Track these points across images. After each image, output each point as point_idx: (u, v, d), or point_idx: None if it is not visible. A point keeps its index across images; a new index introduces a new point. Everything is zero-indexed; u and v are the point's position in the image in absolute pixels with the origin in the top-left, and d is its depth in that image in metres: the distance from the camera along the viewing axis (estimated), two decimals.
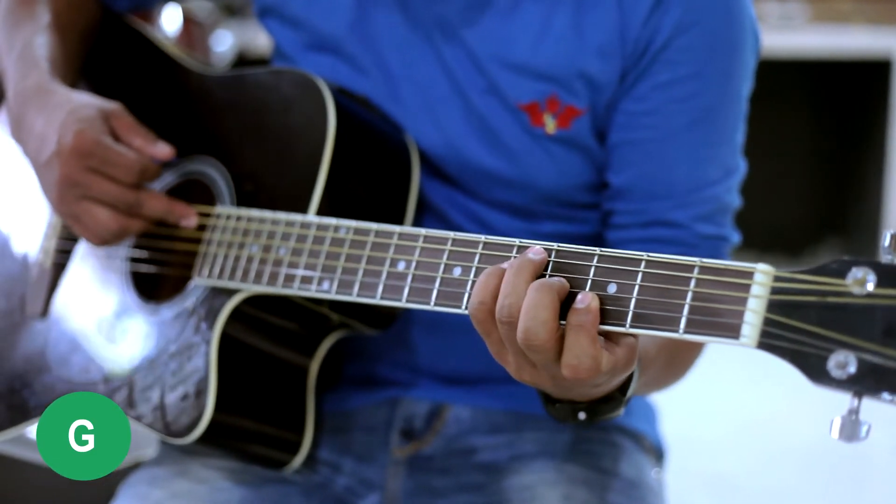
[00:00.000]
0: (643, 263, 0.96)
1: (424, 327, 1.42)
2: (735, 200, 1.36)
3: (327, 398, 1.45)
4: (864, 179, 4.50)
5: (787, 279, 0.88)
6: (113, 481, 1.41)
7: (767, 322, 0.88)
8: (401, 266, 1.10)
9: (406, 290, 1.09)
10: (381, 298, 1.11)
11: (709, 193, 1.33)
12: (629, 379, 1.05)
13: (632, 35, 1.29)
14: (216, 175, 1.35)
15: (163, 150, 1.32)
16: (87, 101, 1.31)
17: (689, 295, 0.93)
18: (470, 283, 1.05)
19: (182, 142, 1.39)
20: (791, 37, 4.22)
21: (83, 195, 1.28)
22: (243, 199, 1.31)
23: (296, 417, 1.34)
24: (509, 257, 1.02)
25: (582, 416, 1.06)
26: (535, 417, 1.43)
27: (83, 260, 1.43)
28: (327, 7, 1.40)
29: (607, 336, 0.98)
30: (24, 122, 1.34)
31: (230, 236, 1.28)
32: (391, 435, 1.45)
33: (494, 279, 0.99)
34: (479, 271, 1.04)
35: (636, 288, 0.95)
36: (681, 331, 0.93)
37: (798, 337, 0.86)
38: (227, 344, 1.27)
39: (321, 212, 1.25)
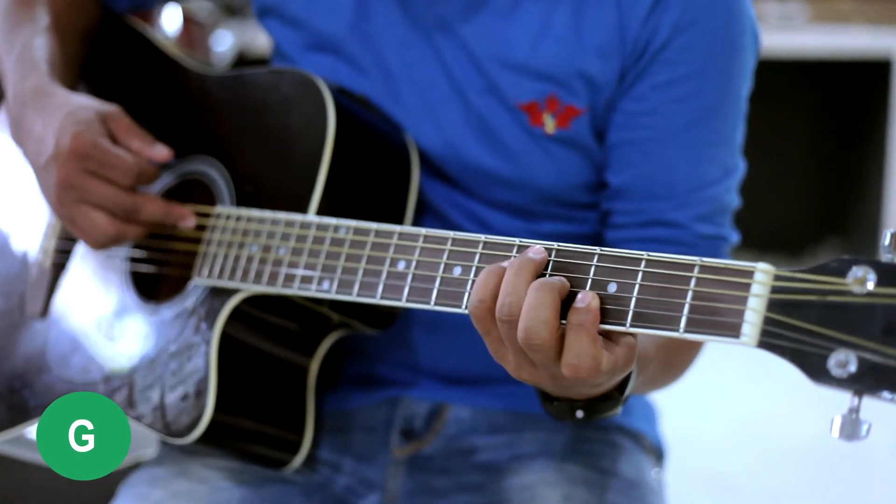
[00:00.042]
0: (643, 263, 0.96)
1: (424, 327, 1.42)
2: (734, 200, 1.36)
3: (327, 398, 1.45)
4: (864, 179, 4.50)
5: (787, 278, 0.88)
6: (113, 481, 1.41)
7: (768, 321, 0.88)
8: (401, 266, 1.10)
9: (406, 290, 1.09)
10: (381, 298, 1.11)
11: (708, 193, 1.33)
12: (627, 378, 1.05)
13: (631, 35, 1.29)
14: (216, 175, 1.35)
15: (161, 152, 1.32)
16: (85, 104, 1.31)
17: (690, 294, 0.93)
18: (470, 282, 1.05)
19: (182, 142, 1.39)
20: (791, 37, 4.22)
21: (80, 198, 1.28)
22: (243, 199, 1.31)
23: (296, 417, 1.34)
24: (509, 257, 1.02)
25: (580, 414, 1.06)
26: (535, 417, 1.43)
27: (83, 260, 1.43)
28: (327, 7, 1.40)
29: (607, 335, 0.98)
30: (23, 124, 1.34)
31: (230, 236, 1.28)
32: (391, 435, 1.45)
33: (494, 278, 0.99)
34: (479, 271, 1.04)
35: (636, 287, 0.95)
36: (681, 330, 0.93)
37: (798, 336, 0.86)
38: (227, 344, 1.27)
39: (321, 211, 1.25)
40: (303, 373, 1.34)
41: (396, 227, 1.12)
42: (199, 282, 1.30)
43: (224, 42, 3.49)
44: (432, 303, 1.07)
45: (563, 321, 0.96)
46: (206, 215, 1.32)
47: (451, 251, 1.07)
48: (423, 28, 1.35)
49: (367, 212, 1.27)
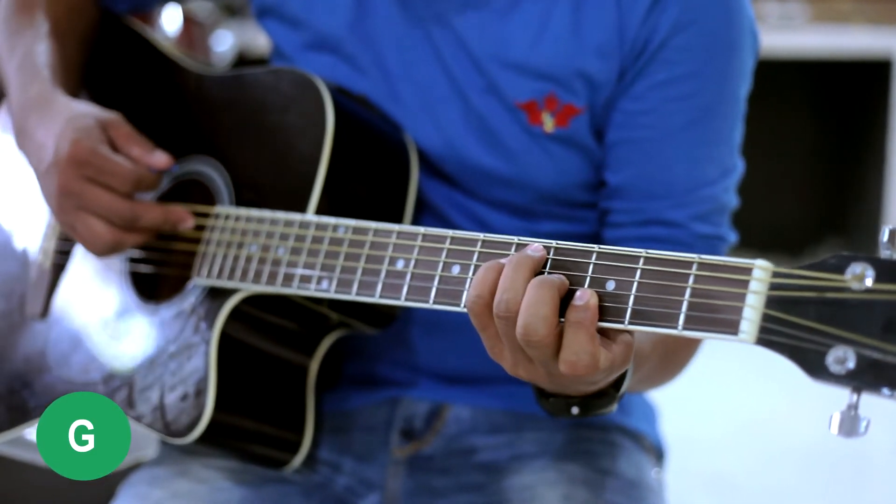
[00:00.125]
0: (642, 260, 0.96)
1: (424, 327, 1.42)
2: (732, 200, 1.36)
3: (327, 398, 1.45)
4: (864, 179, 4.50)
5: (785, 275, 0.88)
6: (113, 481, 1.41)
7: (766, 318, 0.88)
8: (400, 265, 1.10)
9: (405, 289, 1.09)
10: (380, 297, 1.11)
11: (706, 193, 1.33)
12: (623, 375, 1.06)
13: (630, 34, 1.29)
14: (215, 175, 1.35)
15: (160, 159, 1.32)
16: (85, 111, 1.31)
17: (688, 291, 0.93)
18: (469, 281, 1.05)
19: (181, 142, 1.39)
20: (791, 37, 4.22)
21: (79, 205, 1.28)
22: (242, 199, 1.31)
23: (296, 417, 1.34)
24: (508, 255, 1.02)
25: (575, 410, 1.06)
26: (535, 417, 1.43)
27: (82, 260, 1.43)
28: (326, 7, 1.40)
29: (604, 333, 0.98)
30: (26, 131, 1.35)
31: (229, 236, 1.28)
32: (391, 435, 1.45)
33: (493, 274, 0.99)
34: (477, 269, 1.04)
35: (635, 285, 0.95)
36: (679, 327, 0.93)
37: (797, 333, 0.86)
38: (227, 343, 1.27)
39: (320, 211, 1.25)
40: (302, 372, 1.34)
41: (395, 227, 1.12)
42: (199, 282, 1.30)
43: (224, 42, 3.50)
44: (431, 301, 1.07)
45: (562, 319, 0.96)
46: (206, 215, 1.32)
47: (449, 250, 1.07)
48: (423, 27, 1.35)
49: (367, 211, 1.27)
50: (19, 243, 1.50)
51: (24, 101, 1.36)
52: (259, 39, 3.58)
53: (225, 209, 1.31)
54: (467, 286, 1.05)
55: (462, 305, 1.05)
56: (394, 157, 1.35)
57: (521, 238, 1.03)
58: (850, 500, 3.00)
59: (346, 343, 1.41)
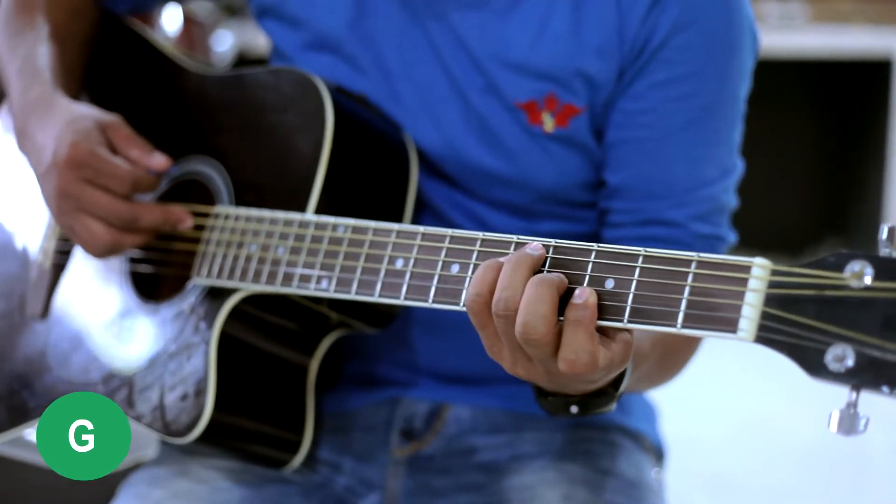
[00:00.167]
0: (641, 259, 0.96)
1: (424, 327, 1.42)
2: (732, 200, 1.36)
3: (327, 398, 1.45)
4: (864, 179, 4.50)
5: (784, 273, 0.88)
6: (113, 481, 1.41)
7: (765, 316, 0.88)
8: (399, 264, 1.10)
9: (404, 288, 1.09)
10: (380, 296, 1.11)
11: (706, 193, 1.33)
12: (623, 374, 1.06)
13: (630, 34, 1.29)
14: (214, 175, 1.35)
15: (159, 161, 1.32)
16: (85, 113, 1.32)
17: (687, 290, 0.93)
18: (468, 280, 1.05)
19: (180, 141, 1.39)
20: (791, 37, 4.22)
21: (78, 207, 1.28)
22: (242, 199, 1.32)
23: (295, 417, 1.34)
24: (507, 254, 1.03)
25: (574, 409, 1.06)
26: (535, 417, 1.43)
27: (82, 260, 1.43)
28: (326, 6, 1.40)
29: (603, 332, 0.98)
30: (27, 133, 1.35)
31: (229, 236, 1.28)
32: (391, 435, 1.45)
33: (492, 272, 0.99)
34: (476, 268, 1.04)
35: (634, 283, 0.95)
36: (678, 325, 0.93)
37: (796, 331, 0.86)
38: (227, 343, 1.27)
39: (319, 211, 1.26)
40: (302, 372, 1.34)
41: (395, 226, 1.12)
42: (199, 281, 1.30)
43: (224, 42, 3.50)
44: (430, 300, 1.07)
45: (561, 318, 0.96)
46: (205, 215, 1.32)
47: (448, 249, 1.07)
48: (423, 27, 1.36)
49: (366, 211, 1.27)
50: (19, 243, 1.50)
51: (25, 104, 1.37)
52: (259, 39, 3.58)
53: (224, 209, 1.31)
54: (466, 285, 1.05)
55: (461, 304, 1.05)
56: (393, 156, 1.35)
57: (521, 237, 1.03)
58: (850, 500, 3.00)
59: (346, 343, 1.41)
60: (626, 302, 0.95)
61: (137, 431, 1.29)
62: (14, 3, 1.49)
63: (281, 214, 1.24)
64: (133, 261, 1.40)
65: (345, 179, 1.29)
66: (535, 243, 1.00)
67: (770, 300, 0.88)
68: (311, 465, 1.42)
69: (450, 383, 1.45)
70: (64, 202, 1.29)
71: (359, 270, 1.14)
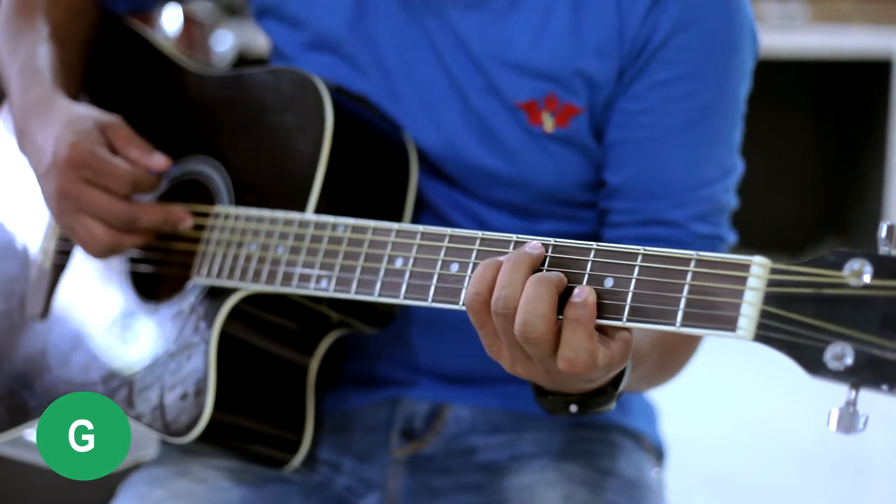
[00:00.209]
0: (640, 257, 0.96)
1: (424, 326, 1.42)
2: (732, 200, 1.36)
3: (327, 398, 1.45)
4: (864, 179, 4.50)
5: (783, 271, 0.88)
6: (113, 481, 1.41)
7: (764, 314, 0.88)
8: (398, 263, 1.10)
9: (404, 287, 1.09)
10: (379, 295, 1.11)
11: (706, 193, 1.33)
12: (622, 373, 1.06)
13: (630, 34, 1.29)
14: (214, 174, 1.35)
15: (159, 161, 1.32)
16: (84, 114, 1.32)
17: (686, 288, 0.93)
18: (467, 278, 1.05)
19: (180, 141, 1.39)
20: (791, 37, 4.22)
21: (77, 207, 1.28)
22: (241, 199, 1.32)
23: (295, 416, 1.34)
24: (506, 253, 1.03)
25: (573, 408, 1.06)
26: (535, 417, 1.43)
27: (82, 261, 1.43)
28: (326, 6, 1.40)
29: (602, 331, 0.98)
30: (27, 134, 1.35)
31: (229, 235, 1.28)
32: (391, 435, 1.45)
33: (491, 271, 0.99)
34: (476, 267, 1.04)
35: (633, 282, 0.95)
36: (677, 324, 0.93)
37: (795, 329, 0.86)
38: (226, 343, 1.27)
39: (319, 210, 1.26)
40: (302, 372, 1.34)
41: (394, 225, 1.12)
42: (199, 281, 1.30)
43: (224, 42, 3.50)
44: (430, 299, 1.07)
45: (560, 316, 0.96)
46: (205, 215, 1.32)
47: (448, 248, 1.07)
48: (423, 27, 1.36)
49: (366, 211, 1.27)
50: (20, 244, 1.50)
51: (25, 104, 1.37)
52: (259, 39, 3.58)
53: (224, 209, 1.31)
54: (466, 284, 1.05)
55: (461, 303, 1.05)
56: (393, 156, 1.35)
57: (520, 236, 1.03)
58: (850, 500, 3.00)
59: (346, 343, 1.41)
60: (626, 301, 0.95)
61: (137, 431, 1.29)
62: (14, 4, 1.49)
63: (281, 214, 1.24)
64: (133, 261, 1.40)
65: (344, 179, 1.29)
66: (535, 242, 1.00)
67: (769, 299, 0.88)
68: (311, 464, 1.42)
69: (450, 383, 1.45)
70: (64, 202, 1.29)
71: (358, 270, 1.14)
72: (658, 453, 1.52)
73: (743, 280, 0.90)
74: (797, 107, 4.70)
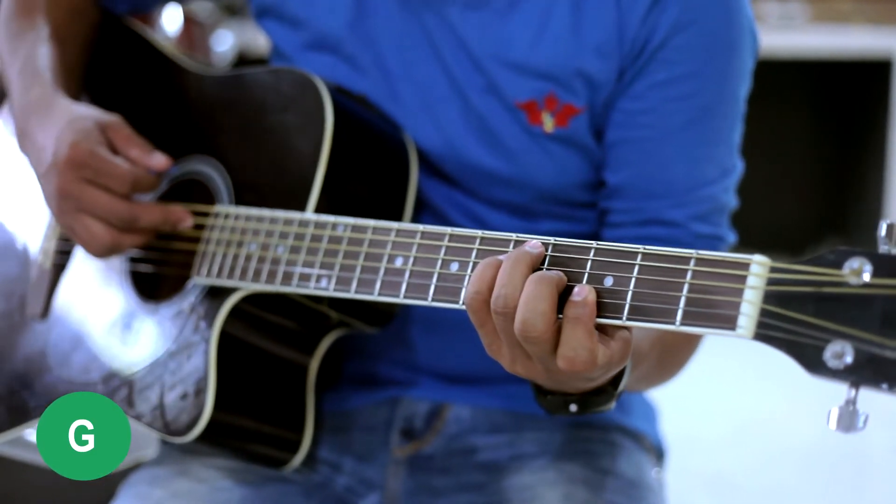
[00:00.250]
0: (639, 256, 0.96)
1: (424, 326, 1.42)
2: (732, 200, 1.36)
3: (327, 397, 1.45)
4: (864, 179, 4.50)
5: (783, 270, 0.88)
6: (113, 481, 1.41)
7: (764, 313, 0.88)
8: (398, 262, 1.10)
9: (404, 286, 1.09)
10: (379, 294, 1.11)
11: (705, 193, 1.33)
12: (622, 372, 1.06)
13: (629, 34, 1.29)
14: (215, 174, 1.35)
15: (159, 161, 1.32)
16: (85, 113, 1.32)
17: (686, 287, 0.93)
18: (467, 277, 1.05)
19: (181, 141, 1.39)
20: (791, 37, 4.22)
21: (78, 207, 1.28)
22: (241, 198, 1.32)
23: (295, 416, 1.34)
24: (506, 252, 1.03)
25: (573, 408, 1.06)
26: (535, 417, 1.43)
27: (83, 260, 1.43)
28: (326, 6, 1.40)
29: (602, 330, 0.98)
30: (27, 134, 1.35)
31: (229, 235, 1.28)
32: (391, 434, 1.45)
33: (491, 270, 0.99)
34: (476, 266, 1.04)
35: (633, 281, 0.95)
36: (677, 323, 0.93)
37: (794, 328, 0.86)
38: (227, 342, 1.27)
39: (319, 210, 1.26)
40: (302, 371, 1.34)
41: (394, 224, 1.12)
42: (199, 281, 1.30)
43: (224, 42, 3.50)
44: (430, 298, 1.07)
45: (560, 315, 0.96)
46: (205, 214, 1.32)
47: (448, 247, 1.07)
48: (423, 27, 1.36)
49: (366, 211, 1.27)
50: (20, 244, 1.50)
51: (26, 104, 1.37)
52: (259, 39, 3.58)
53: (224, 208, 1.31)
54: (466, 283, 1.05)
55: (461, 302, 1.05)
56: (393, 156, 1.35)
57: (520, 235, 1.03)
58: (850, 500, 3.00)
59: (346, 342, 1.41)
60: (625, 299, 0.95)
61: (137, 431, 1.30)
62: (15, 4, 1.49)
63: (281, 213, 1.24)
64: (133, 260, 1.40)
65: (344, 179, 1.29)
66: (535, 241, 1.01)
67: (769, 297, 0.88)
68: (312, 464, 1.42)
69: (450, 383, 1.45)
70: (64, 202, 1.29)
71: (358, 269, 1.14)
72: (658, 453, 1.52)
73: (743, 279, 0.90)
74: (797, 107, 4.71)
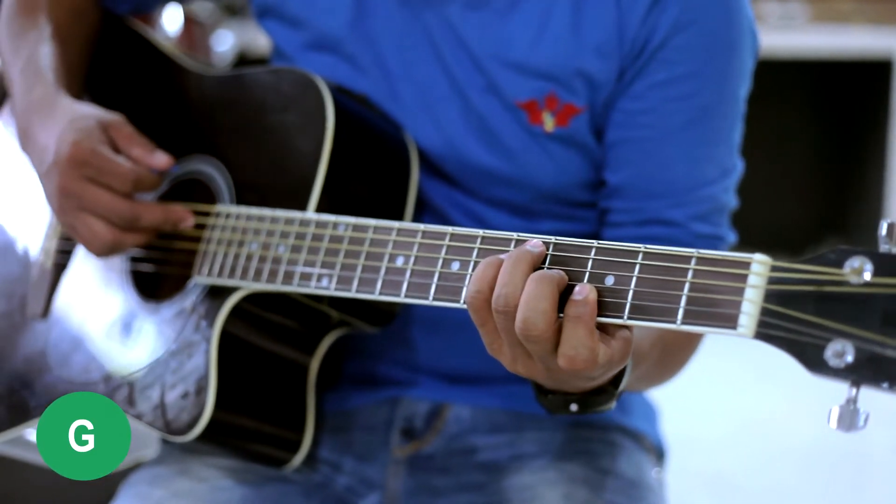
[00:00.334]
0: (641, 255, 0.96)
1: (425, 326, 1.42)
2: (732, 200, 1.36)
3: (328, 397, 1.45)
4: (864, 179, 4.50)
5: (784, 269, 0.88)
6: (113, 481, 1.41)
7: (765, 312, 0.88)
8: (399, 261, 1.11)
9: (405, 285, 1.09)
10: (380, 294, 1.11)
11: (705, 193, 1.33)
12: (622, 372, 1.06)
13: (630, 34, 1.29)
14: (216, 174, 1.36)
15: (161, 159, 1.33)
16: (86, 112, 1.32)
17: (687, 286, 0.93)
18: (468, 277, 1.05)
19: (182, 141, 1.39)
20: (791, 37, 4.22)
21: (79, 206, 1.28)
22: (243, 198, 1.32)
23: (296, 416, 1.34)
24: (507, 251, 1.03)
25: (574, 407, 1.06)
26: (535, 417, 1.43)
27: (84, 260, 1.43)
28: (327, 6, 1.40)
29: (603, 329, 0.98)
30: (29, 133, 1.35)
31: (230, 234, 1.28)
32: (391, 434, 1.45)
33: (492, 269, 0.99)
34: (477, 266, 1.04)
35: (634, 280, 0.95)
36: (678, 322, 0.93)
37: (795, 327, 0.86)
38: (227, 342, 1.27)
39: (320, 209, 1.26)
40: (303, 371, 1.34)
41: (395, 224, 1.12)
42: (200, 280, 1.30)
43: (225, 42, 3.50)
44: (431, 298, 1.07)
45: (561, 314, 0.96)
46: (206, 214, 1.32)
47: (449, 246, 1.07)
48: (423, 27, 1.36)
49: (367, 210, 1.27)
50: (21, 243, 1.50)
51: (28, 104, 1.37)
52: (259, 39, 3.58)
53: (225, 208, 1.31)
54: (467, 282, 1.05)
55: (462, 301, 1.05)
56: (394, 156, 1.35)
57: (521, 234, 1.03)
58: (850, 499, 3.00)
59: (347, 342, 1.41)
60: (626, 298, 0.95)
61: (138, 431, 1.30)
62: (16, 4, 1.49)
63: (282, 213, 1.24)
64: (134, 260, 1.40)
65: (345, 178, 1.29)
66: (536, 240, 1.01)
67: (770, 296, 0.89)
68: (312, 464, 1.42)
69: (450, 383, 1.45)
70: (66, 201, 1.29)
71: (359, 268, 1.14)
72: (658, 453, 1.52)
73: (744, 278, 0.90)
74: (797, 107, 4.71)
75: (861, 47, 4.27)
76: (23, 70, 1.41)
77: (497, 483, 1.40)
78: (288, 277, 1.21)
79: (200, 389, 1.25)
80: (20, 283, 1.48)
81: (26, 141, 1.36)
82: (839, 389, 0.86)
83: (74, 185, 1.27)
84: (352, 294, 1.14)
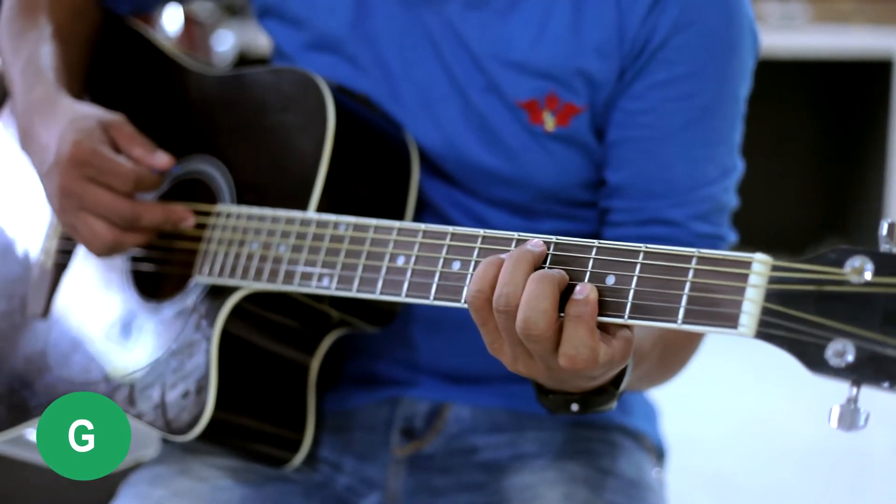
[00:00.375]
0: (641, 255, 0.96)
1: (425, 326, 1.42)
2: (732, 200, 1.36)
3: (328, 397, 1.46)
4: (864, 179, 4.50)
5: (784, 269, 0.88)
6: (113, 481, 1.41)
7: (765, 311, 0.89)
8: (400, 261, 1.11)
9: (405, 285, 1.09)
10: (381, 293, 1.11)
11: (706, 192, 1.33)
12: (623, 372, 1.06)
13: (630, 33, 1.29)
14: (216, 174, 1.36)
15: (162, 159, 1.33)
16: (87, 112, 1.32)
17: (688, 285, 0.93)
18: (469, 276, 1.05)
19: (182, 141, 1.39)
20: (792, 37, 4.23)
21: (80, 206, 1.28)
22: (243, 197, 1.32)
23: (296, 415, 1.34)
24: (508, 251, 1.03)
25: (575, 407, 1.06)
26: (536, 417, 1.43)
27: (84, 260, 1.43)
28: (327, 6, 1.40)
29: (604, 328, 0.98)
30: (29, 133, 1.35)
31: (230, 234, 1.28)
32: (392, 434, 1.45)
33: (493, 269, 0.99)
34: (477, 265, 1.04)
35: (634, 279, 0.96)
36: (679, 321, 0.93)
37: (796, 326, 0.86)
38: (228, 341, 1.27)
39: (321, 209, 1.26)
40: (303, 371, 1.34)
41: (396, 223, 1.12)
42: (200, 280, 1.30)
43: (225, 42, 3.50)
44: (432, 297, 1.07)
45: (561, 314, 0.96)
46: (207, 214, 1.32)
47: (450, 246, 1.07)
48: (423, 27, 1.36)
49: (367, 210, 1.27)
50: (21, 243, 1.50)
51: (28, 104, 1.37)
52: (260, 39, 3.59)
53: (226, 207, 1.31)
54: (468, 282, 1.05)
55: (462, 301, 1.05)
56: (395, 156, 1.35)
57: (522, 234, 1.04)
58: (850, 499, 3.00)
59: (347, 342, 1.41)
60: (627, 298, 0.96)
61: (138, 431, 1.30)
62: (17, 4, 1.49)
63: (282, 213, 1.24)
64: (135, 259, 1.40)
65: (346, 178, 1.29)
66: (536, 240, 1.01)
67: (770, 296, 0.89)
68: (312, 464, 1.42)
69: (451, 382, 1.46)
70: (66, 200, 1.29)
71: (360, 268, 1.14)
72: (658, 453, 1.52)
73: (744, 277, 0.90)
74: (797, 107, 4.71)
75: (861, 47, 4.28)
76: (23, 70, 1.41)
77: (497, 483, 1.40)
78: (289, 277, 1.21)
79: (201, 389, 1.25)
80: (21, 283, 1.48)
81: (27, 141, 1.36)
82: (839, 389, 0.86)
83: (75, 185, 1.27)
84: (353, 294, 1.14)
